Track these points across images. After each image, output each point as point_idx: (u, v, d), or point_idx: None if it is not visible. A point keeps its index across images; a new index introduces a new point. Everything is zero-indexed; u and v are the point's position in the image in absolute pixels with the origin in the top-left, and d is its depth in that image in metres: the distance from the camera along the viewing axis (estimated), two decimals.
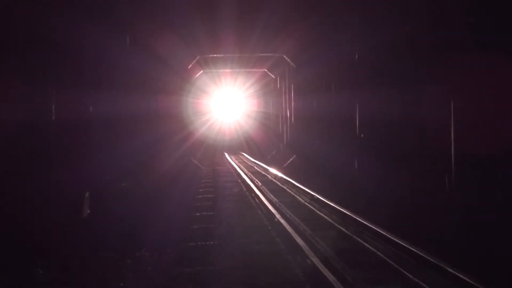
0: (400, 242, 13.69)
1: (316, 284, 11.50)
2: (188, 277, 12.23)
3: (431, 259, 12.13)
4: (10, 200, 11.74)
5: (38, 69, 14.00)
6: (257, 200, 23.18)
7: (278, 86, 48.84)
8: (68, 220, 14.29)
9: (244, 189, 27.86)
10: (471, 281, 10.63)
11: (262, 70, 48.30)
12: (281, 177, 30.99)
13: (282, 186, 28.60)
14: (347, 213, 18.05)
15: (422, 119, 18.38)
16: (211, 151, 51.71)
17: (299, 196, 24.29)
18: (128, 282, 11.66)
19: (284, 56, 39.09)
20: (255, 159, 46.94)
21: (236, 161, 46.12)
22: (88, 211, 15.53)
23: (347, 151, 26.05)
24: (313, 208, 20.96)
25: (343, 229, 16.84)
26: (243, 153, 53.92)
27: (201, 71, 46.28)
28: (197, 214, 20.16)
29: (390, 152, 20.92)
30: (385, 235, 14.55)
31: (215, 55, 39.00)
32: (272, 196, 24.32)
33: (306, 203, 22.43)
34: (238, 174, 34.97)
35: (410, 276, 11.82)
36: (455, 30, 16.00)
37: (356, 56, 25.42)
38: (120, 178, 19.30)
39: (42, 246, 13.15)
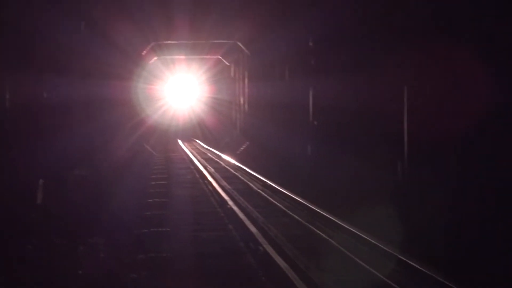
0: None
1: (267, 271, 11.61)
2: (141, 264, 12.27)
3: None
4: None
5: None
6: (209, 187, 23.29)
7: (232, 73, 48.90)
8: (22, 206, 14.22)
9: (197, 175, 27.95)
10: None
11: (216, 57, 48.31)
12: (234, 164, 31.15)
13: (235, 173, 28.72)
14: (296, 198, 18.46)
15: (377, 106, 18.55)
16: (165, 137, 51.58)
17: (252, 183, 24.46)
18: (81, 268, 11.66)
19: (238, 43, 39.10)
20: (208, 146, 47.02)
21: (190, 148, 46.19)
22: (42, 198, 15.46)
23: (300, 137, 26.24)
24: (266, 195, 21.12)
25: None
26: (197, 140, 53.86)
27: (155, 58, 46.13)
28: (150, 200, 20.17)
29: (342, 138, 21.10)
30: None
31: (170, 42, 38.91)
32: (225, 183, 24.46)
33: (258, 189, 22.61)
34: (191, 160, 35.04)
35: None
36: (410, 15, 16.15)
37: (311, 43, 25.54)
38: (74, 164, 19.22)
39: None
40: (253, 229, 14.64)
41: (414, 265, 11.03)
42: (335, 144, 21.67)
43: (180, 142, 51.98)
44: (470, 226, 12.36)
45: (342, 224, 14.56)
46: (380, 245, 12.45)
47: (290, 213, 17.56)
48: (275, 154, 30.04)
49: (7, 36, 14.82)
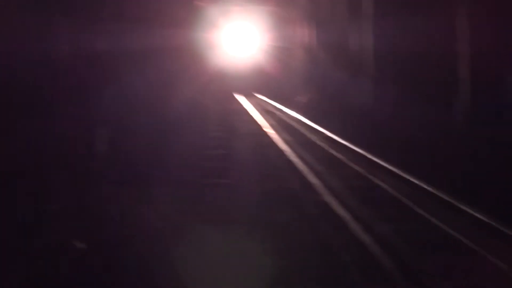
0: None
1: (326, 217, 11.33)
2: (204, 216, 12.07)
3: None
4: (30, 131, 11.57)
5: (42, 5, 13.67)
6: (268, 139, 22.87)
7: (295, 17, 48.29)
8: (83, 155, 14.13)
9: (255, 127, 27.53)
10: None
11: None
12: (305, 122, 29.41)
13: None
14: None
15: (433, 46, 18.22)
16: (224, 88, 50.66)
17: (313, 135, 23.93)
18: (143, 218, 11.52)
19: None
20: (270, 98, 45.28)
21: (251, 102, 44.61)
22: (103, 147, 15.38)
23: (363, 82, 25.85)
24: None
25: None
26: (259, 95, 51.51)
27: (211, 5, 45.74)
28: (208, 152, 19.93)
29: (406, 83, 20.72)
30: None
31: None
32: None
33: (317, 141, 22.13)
34: (249, 111, 34.58)
35: None
36: None
37: None
38: (135, 113, 19.11)
39: (57, 182, 12.98)
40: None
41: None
42: (399, 89, 21.27)
43: (238, 95, 50.50)
44: None
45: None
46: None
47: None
48: (337, 102, 29.57)
49: None
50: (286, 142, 21.35)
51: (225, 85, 50.48)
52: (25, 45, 12.16)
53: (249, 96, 47.98)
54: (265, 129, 25.14)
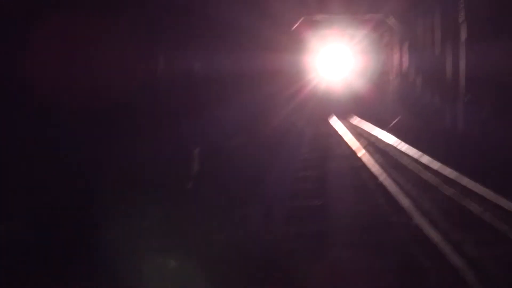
0: None
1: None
2: (294, 236, 12.29)
3: None
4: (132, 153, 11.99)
5: (144, 27, 14.08)
6: (359, 162, 22.93)
7: (386, 43, 48.23)
8: (178, 175, 14.51)
9: (348, 151, 27.60)
10: None
11: (374, 23, 47.48)
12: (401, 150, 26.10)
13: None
14: None
15: None
16: (317, 111, 50.47)
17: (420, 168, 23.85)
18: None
19: (390, 16, 38.67)
20: (364, 121, 44.58)
21: (344, 124, 44.12)
22: (197, 168, 15.74)
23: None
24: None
25: None
26: (352, 118, 50.35)
27: (307, 30, 46.04)
28: (301, 174, 20.17)
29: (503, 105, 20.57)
30: None
31: (322, 15, 38.88)
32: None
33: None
34: (342, 135, 34.59)
35: None
36: None
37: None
38: (229, 135, 19.47)
39: (151, 197, 13.30)
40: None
41: None
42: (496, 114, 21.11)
43: (333, 118, 49.99)
44: None
45: None
46: None
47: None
48: (432, 126, 29.37)
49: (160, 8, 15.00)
50: (380, 164, 21.35)
51: (319, 107, 50.58)
52: (129, 67, 12.59)
53: (343, 118, 47.93)
54: (357, 152, 25.22)
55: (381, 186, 17.36)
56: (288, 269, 10.18)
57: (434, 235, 11.43)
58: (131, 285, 9.10)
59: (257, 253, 10.92)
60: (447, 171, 18.42)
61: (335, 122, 44.79)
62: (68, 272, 9.06)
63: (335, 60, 56.30)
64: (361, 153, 24.77)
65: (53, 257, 9.35)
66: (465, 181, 16.39)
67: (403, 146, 25.99)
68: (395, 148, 26.94)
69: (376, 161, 22.39)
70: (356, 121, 46.16)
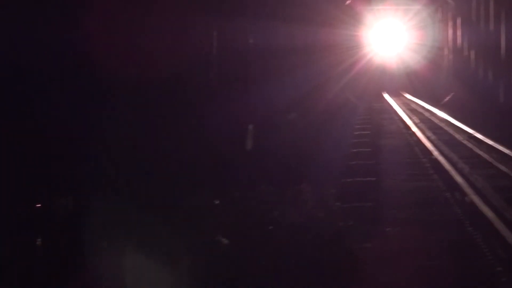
0: None
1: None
2: (349, 213, 12.29)
3: None
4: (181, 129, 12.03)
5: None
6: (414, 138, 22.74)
7: (444, 16, 47.57)
8: (231, 152, 14.53)
9: (401, 126, 27.44)
10: None
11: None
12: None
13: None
14: None
15: None
16: (371, 86, 50.03)
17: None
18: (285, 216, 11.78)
19: None
20: (417, 97, 44.04)
21: (397, 101, 43.77)
22: (251, 143, 15.75)
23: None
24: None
25: None
26: (405, 94, 49.93)
27: (361, 5, 45.71)
28: (355, 150, 20.11)
29: None
30: None
31: None
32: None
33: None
34: (395, 112, 34.34)
35: None
36: None
37: None
38: (284, 111, 19.46)
39: (204, 177, 13.35)
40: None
41: None
42: None
43: (386, 94, 49.57)
44: None
45: None
46: None
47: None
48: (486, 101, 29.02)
49: None
50: (431, 141, 21.24)
51: (372, 82, 50.13)
52: (186, 40, 12.59)
53: (396, 95, 47.63)
54: (411, 128, 25.06)
55: (435, 161, 17.30)
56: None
57: (489, 213, 11.34)
58: None
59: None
60: (500, 148, 18.35)
61: (389, 98, 44.55)
62: None
63: (389, 36, 55.77)
64: (415, 129, 24.62)
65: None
66: None
67: (457, 122, 25.82)
68: (448, 124, 26.77)
69: (429, 138, 22.26)
70: (410, 96, 45.92)
